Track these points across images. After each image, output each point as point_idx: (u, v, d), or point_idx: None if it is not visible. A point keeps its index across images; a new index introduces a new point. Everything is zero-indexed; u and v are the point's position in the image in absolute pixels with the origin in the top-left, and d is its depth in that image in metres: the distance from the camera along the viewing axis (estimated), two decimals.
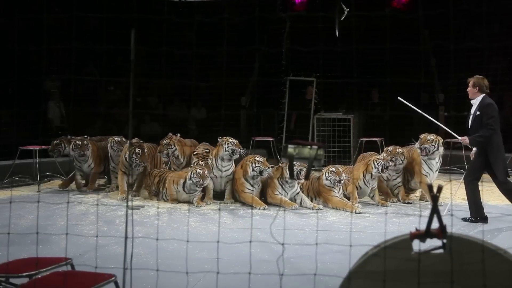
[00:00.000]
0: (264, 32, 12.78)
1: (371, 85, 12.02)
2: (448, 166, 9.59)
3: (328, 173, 7.54)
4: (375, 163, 7.57)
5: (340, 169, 7.60)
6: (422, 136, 7.68)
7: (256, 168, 7.66)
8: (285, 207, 7.46)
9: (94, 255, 5.13)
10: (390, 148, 7.90)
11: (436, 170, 7.70)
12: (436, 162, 7.66)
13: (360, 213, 7.21)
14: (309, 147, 3.14)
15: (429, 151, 7.54)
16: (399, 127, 11.25)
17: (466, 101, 6.88)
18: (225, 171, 7.99)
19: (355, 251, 3.34)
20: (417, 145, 7.66)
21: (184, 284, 4.20)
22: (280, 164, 7.85)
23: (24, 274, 3.29)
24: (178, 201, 7.74)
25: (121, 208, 7.50)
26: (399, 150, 7.85)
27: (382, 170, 7.59)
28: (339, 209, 7.39)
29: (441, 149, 7.65)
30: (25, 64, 10.36)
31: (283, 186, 7.67)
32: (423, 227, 2.62)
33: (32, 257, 3.61)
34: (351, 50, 10.22)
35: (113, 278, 3.33)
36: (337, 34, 11.15)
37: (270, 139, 11.38)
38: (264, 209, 7.46)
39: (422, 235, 2.57)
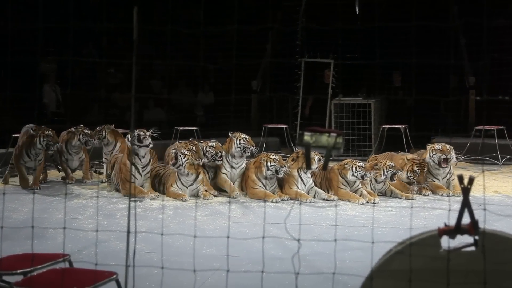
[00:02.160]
0: (278, 9, 12.72)
1: (393, 67, 11.94)
2: (480, 156, 9.52)
3: (355, 167, 7.59)
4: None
5: (366, 164, 7.72)
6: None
7: (272, 167, 7.69)
8: (300, 200, 7.48)
9: (93, 251, 5.17)
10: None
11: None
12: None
13: (363, 204, 7.37)
14: (327, 134, 3.12)
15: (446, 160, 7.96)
16: (424, 113, 11.17)
17: (501, 83, 6.80)
18: (238, 167, 8.05)
19: (377, 248, 3.32)
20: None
21: (191, 282, 4.22)
22: (295, 154, 7.85)
23: (18, 271, 3.31)
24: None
25: (122, 200, 7.53)
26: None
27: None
28: (344, 201, 7.53)
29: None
30: (18, 44, 10.40)
31: (302, 179, 7.69)
32: (452, 222, 2.60)
33: (27, 253, 3.63)
34: (372, 29, 10.14)
35: (115, 276, 3.34)
36: (357, 11, 11.07)
37: (284, 126, 11.37)
38: (277, 201, 7.48)
39: (452, 231, 2.55)
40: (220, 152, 8.01)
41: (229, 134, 8.15)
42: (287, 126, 11.41)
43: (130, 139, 7.79)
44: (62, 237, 5.60)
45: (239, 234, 5.78)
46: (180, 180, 7.74)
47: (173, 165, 7.68)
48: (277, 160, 7.70)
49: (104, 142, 8.80)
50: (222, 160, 8.02)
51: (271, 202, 7.46)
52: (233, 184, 8.01)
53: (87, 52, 12.44)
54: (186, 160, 7.67)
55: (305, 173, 7.66)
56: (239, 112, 12.29)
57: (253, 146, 8.09)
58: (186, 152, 7.76)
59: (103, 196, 7.74)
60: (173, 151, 7.79)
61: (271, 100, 12.74)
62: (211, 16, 12.15)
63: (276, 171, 7.67)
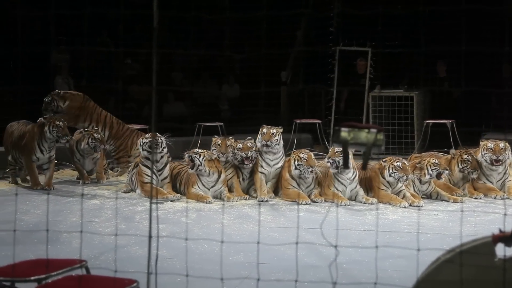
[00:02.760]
0: None
1: (438, 56, 11.81)
2: None
3: (392, 168, 7.55)
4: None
5: (406, 163, 7.64)
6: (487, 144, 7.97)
7: (299, 166, 7.68)
8: (336, 203, 7.47)
9: (111, 257, 5.24)
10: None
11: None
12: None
13: (405, 207, 7.32)
14: (366, 130, 3.11)
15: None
16: (474, 106, 11.04)
17: None
18: (274, 164, 8.04)
19: (422, 257, 3.30)
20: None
21: None
22: (330, 153, 7.84)
23: (32, 278, 3.36)
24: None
25: (141, 202, 7.60)
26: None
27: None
28: (385, 203, 7.51)
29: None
30: (29, 33, 10.57)
31: (340, 180, 7.68)
32: (508, 228, 2.57)
33: (41, 259, 3.69)
34: (415, 14, 10.04)
35: (135, 284, 3.37)
36: None
37: (316, 121, 11.34)
38: (306, 203, 7.49)
39: (508, 238, 2.52)
40: (245, 153, 7.95)
41: (260, 128, 8.14)
42: (320, 121, 11.37)
43: (141, 143, 7.86)
44: (77, 241, 5.70)
45: (269, 239, 5.79)
46: (201, 181, 7.78)
47: (192, 168, 7.71)
48: (305, 159, 7.68)
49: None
50: (250, 162, 7.96)
51: (301, 204, 7.46)
52: (269, 183, 8.01)
53: (102, 41, 12.57)
54: (203, 158, 7.69)
55: (343, 173, 7.63)
56: (267, 106, 12.31)
57: (265, 142, 7.97)
58: (199, 151, 7.79)
59: (121, 198, 7.82)
60: (186, 155, 7.79)
61: (302, 92, 12.71)
62: (236, 1, 12.16)
63: (303, 172, 7.66)
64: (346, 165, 6.79)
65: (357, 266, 5.09)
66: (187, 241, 5.24)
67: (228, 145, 7.98)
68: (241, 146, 7.99)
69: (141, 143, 7.89)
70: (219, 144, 7.94)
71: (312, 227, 6.22)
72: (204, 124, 10.80)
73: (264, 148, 7.97)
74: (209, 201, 7.55)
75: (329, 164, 7.65)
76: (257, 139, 8.05)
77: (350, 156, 7.28)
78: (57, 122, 8.26)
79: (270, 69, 12.08)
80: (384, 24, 11.18)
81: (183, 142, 9.45)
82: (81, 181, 8.72)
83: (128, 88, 12.72)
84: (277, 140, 8.00)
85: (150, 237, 3.44)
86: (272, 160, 8.05)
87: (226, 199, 7.66)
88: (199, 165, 7.66)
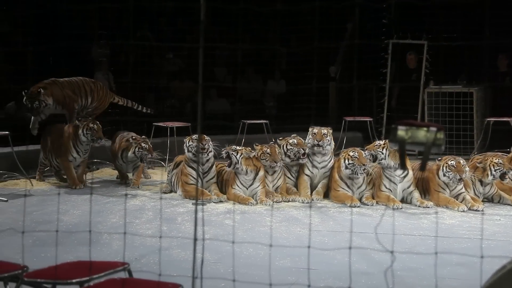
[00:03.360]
0: None
1: (499, 49, 11.58)
2: None
3: (446, 167, 7.48)
4: None
5: (462, 162, 7.51)
6: None
7: (350, 165, 7.65)
8: (388, 206, 7.42)
9: (152, 260, 5.32)
10: None
11: None
12: None
13: (464, 211, 7.26)
14: (425, 129, 3.07)
15: None
16: None
17: None
18: (322, 167, 8.04)
19: (483, 265, 3.24)
20: None
21: None
22: (370, 146, 7.82)
23: (74, 280, 3.42)
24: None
25: (183, 203, 7.69)
26: None
27: None
28: (442, 207, 7.45)
29: None
30: (67, 27, 10.75)
31: (389, 177, 7.64)
32: None
33: (83, 261, 3.75)
34: (475, 3, 9.85)
35: None
36: None
37: (367, 119, 11.26)
38: (355, 206, 7.46)
39: None
40: (303, 149, 7.99)
41: (310, 129, 8.14)
42: (371, 119, 11.28)
43: (187, 145, 7.91)
44: (117, 243, 5.80)
45: (317, 243, 5.77)
46: (239, 179, 7.81)
47: (229, 166, 7.76)
48: (356, 157, 7.65)
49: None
50: (306, 158, 8.00)
51: (350, 206, 7.46)
52: (321, 184, 8.01)
53: (142, 35, 12.71)
54: (240, 156, 7.71)
55: (396, 174, 7.59)
56: (315, 103, 12.25)
57: (304, 149, 8.00)
58: (238, 148, 7.82)
59: (162, 198, 7.91)
60: (223, 151, 7.83)
61: (353, 88, 12.62)
62: None
63: (354, 171, 7.62)
64: (403, 166, 6.71)
65: (412, 274, 5.04)
66: (231, 244, 5.25)
67: (279, 152, 8.00)
68: (296, 142, 8.04)
69: (187, 145, 7.96)
70: (268, 153, 7.89)
71: (363, 231, 6.21)
72: (248, 121, 10.82)
73: (315, 148, 7.97)
74: (251, 203, 7.56)
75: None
76: (307, 139, 8.05)
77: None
78: (91, 125, 8.47)
79: (319, 63, 12.03)
80: (441, 15, 11.03)
81: (227, 140, 9.47)
82: (123, 180, 8.84)
83: (169, 84, 12.83)
84: (328, 140, 8.02)
85: (195, 239, 3.46)
86: (320, 163, 8.04)
87: (259, 201, 7.65)
88: (236, 163, 7.70)
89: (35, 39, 10.70)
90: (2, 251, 4.94)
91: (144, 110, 9.91)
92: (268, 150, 7.91)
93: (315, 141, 7.96)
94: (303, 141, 8.08)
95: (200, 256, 3.71)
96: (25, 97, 8.62)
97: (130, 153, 8.55)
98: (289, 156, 8.05)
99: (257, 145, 8.07)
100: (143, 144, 8.54)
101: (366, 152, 7.71)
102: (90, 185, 8.59)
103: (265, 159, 7.86)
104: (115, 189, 8.55)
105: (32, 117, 8.75)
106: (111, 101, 9.56)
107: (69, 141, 8.52)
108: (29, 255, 5.12)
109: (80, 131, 8.44)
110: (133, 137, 8.67)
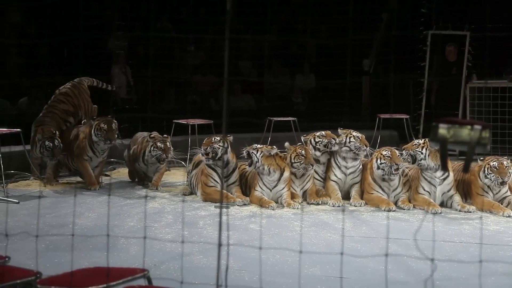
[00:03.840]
0: None
1: None
2: None
3: (488, 169, 7.45)
4: None
5: (505, 164, 7.47)
6: None
7: (382, 165, 7.61)
8: (427, 210, 7.39)
9: (172, 266, 5.35)
10: None
11: None
12: None
13: (509, 216, 7.21)
14: (469, 127, 3.06)
15: None
16: None
17: None
18: (351, 173, 8.05)
19: None
20: None
21: None
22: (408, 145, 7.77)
23: (91, 287, 3.45)
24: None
25: (205, 206, 7.71)
26: None
27: None
28: (485, 212, 7.40)
29: None
30: (83, 18, 10.83)
31: (428, 179, 7.61)
32: None
33: (100, 267, 3.78)
34: None
35: None
36: None
37: (404, 116, 11.20)
38: (390, 210, 7.44)
39: None
40: (333, 139, 8.01)
41: (339, 130, 8.13)
42: (408, 117, 11.22)
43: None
44: (135, 248, 5.84)
45: (350, 250, 5.74)
46: (262, 180, 7.80)
47: (250, 165, 7.77)
48: (389, 157, 7.61)
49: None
50: (336, 147, 8.00)
51: (385, 210, 7.45)
52: (356, 186, 8.02)
53: (162, 27, 12.77)
54: (260, 155, 7.70)
55: (436, 176, 7.55)
56: (347, 99, 12.20)
57: (366, 146, 8.03)
58: (258, 146, 7.82)
59: (183, 201, 7.94)
60: (244, 151, 7.82)
61: (388, 83, 12.55)
62: None
63: (388, 172, 7.58)
64: (444, 167, 6.68)
65: (453, 284, 5.01)
66: (257, 251, 5.26)
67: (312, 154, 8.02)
68: (324, 134, 8.10)
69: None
70: (304, 155, 7.84)
71: (399, 237, 6.17)
72: (275, 119, 10.83)
73: (359, 152, 7.95)
74: (272, 207, 7.55)
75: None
76: (346, 139, 8.00)
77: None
78: (102, 125, 8.58)
79: (351, 56, 12.00)
80: (485, 3, 10.91)
81: (252, 139, 9.48)
82: (144, 182, 8.89)
83: (191, 79, 12.87)
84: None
85: (219, 245, 3.47)
86: (348, 168, 8.02)
87: (286, 205, 7.62)
88: (256, 162, 7.70)
89: (48, 31, 10.79)
90: (14, 256, 4.98)
91: (104, 87, 9.72)
92: (303, 151, 7.90)
93: (364, 146, 7.96)
94: (330, 132, 8.15)
95: (224, 263, 3.72)
96: (43, 141, 8.45)
97: (147, 153, 8.60)
98: (318, 149, 8.06)
99: (289, 146, 8.05)
100: (158, 144, 8.55)
101: (404, 152, 7.67)
102: (106, 186, 8.65)
103: (300, 161, 7.85)
104: (133, 191, 8.61)
105: (48, 162, 8.73)
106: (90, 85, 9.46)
107: (84, 140, 8.66)
108: (42, 260, 5.17)
109: (92, 130, 8.58)
110: (151, 136, 8.69)
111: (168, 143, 8.64)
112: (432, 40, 11.61)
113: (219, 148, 7.83)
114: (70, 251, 4.88)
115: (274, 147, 7.92)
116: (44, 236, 5.95)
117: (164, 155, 8.54)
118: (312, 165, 7.86)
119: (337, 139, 8.05)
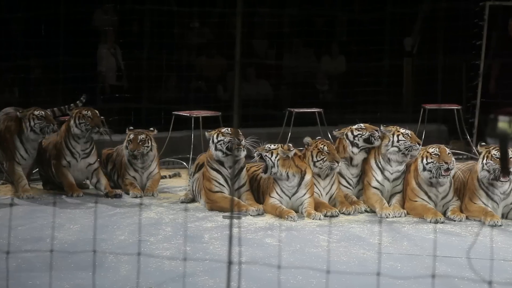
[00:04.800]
0: None
1: None
2: None
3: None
4: None
5: None
6: None
7: (429, 165, 7.60)
8: (484, 222, 7.37)
9: None
10: None
11: None
12: None
13: None
14: None
15: None
16: None
17: None
18: (395, 179, 8.06)
19: None
20: None
21: None
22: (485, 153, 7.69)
23: None
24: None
25: (211, 216, 7.73)
26: None
27: None
28: None
29: None
30: None
31: (489, 193, 7.58)
32: None
33: None
34: None
35: None
36: None
37: (454, 107, 11.19)
38: (437, 221, 7.41)
39: None
40: (376, 131, 8.03)
41: (381, 128, 8.09)
42: (460, 107, 11.20)
43: (216, 140, 7.93)
44: (126, 266, 5.86)
45: (388, 270, 5.75)
46: (279, 186, 7.81)
47: (265, 172, 7.76)
48: (437, 155, 7.58)
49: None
50: (379, 141, 8.03)
51: (430, 222, 7.45)
52: (398, 195, 8.05)
53: None
54: (276, 158, 7.69)
55: (496, 185, 7.53)
56: (384, 85, 12.20)
57: (419, 144, 7.98)
58: (272, 147, 7.81)
59: (184, 210, 7.95)
60: (255, 153, 7.81)
61: (435, 66, 12.51)
62: None
63: (435, 174, 7.57)
64: (506, 171, 6.63)
65: None
66: (274, 270, 5.27)
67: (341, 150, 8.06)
68: (363, 126, 8.14)
69: (215, 141, 7.98)
70: (327, 151, 7.87)
71: (449, 255, 6.16)
72: (296, 110, 10.84)
73: (411, 153, 7.92)
74: (292, 218, 7.53)
75: (485, 172, 7.51)
76: (394, 138, 7.98)
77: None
78: (84, 112, 8.54)
79: (389, 34, 11.98)
80: None
81: (268, 134, 9.49)
82: (136, 194, 8.83)
83: (194, 62, 12.89)
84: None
85: (229, 263, 3.48)
86: (392, 173, 8.03)
87: (307, 215, 7.63)
88: (271, 167, 7.68)
89: (22, 2, 10.84)
90: None
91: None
92: (326, 147, 7.90)
93: (417, 144, 7.91)
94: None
95: (235, 285, 3.72)
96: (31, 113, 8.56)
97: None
98: (357, 145, 8.06)
99: (310, 141, 8.03)
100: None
101: (488, 165, 7.51)
102: (92, 192, 8.66)
103: (323, 158, 7.85)
104: (123, 198, 8.61)
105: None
106: None
107: (61, 141, 8.62)
108: (14, 282, 5.20)
109: (72, 122, 8.51)
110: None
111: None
112: (490, 12, 11.58)
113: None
114: (48, 271, 4.91)
115: (291, 145, 7.90)
116: (16, 253, 5.98)
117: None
118: (338, 162, 7.85)
119: (379, 132, 8.04)
